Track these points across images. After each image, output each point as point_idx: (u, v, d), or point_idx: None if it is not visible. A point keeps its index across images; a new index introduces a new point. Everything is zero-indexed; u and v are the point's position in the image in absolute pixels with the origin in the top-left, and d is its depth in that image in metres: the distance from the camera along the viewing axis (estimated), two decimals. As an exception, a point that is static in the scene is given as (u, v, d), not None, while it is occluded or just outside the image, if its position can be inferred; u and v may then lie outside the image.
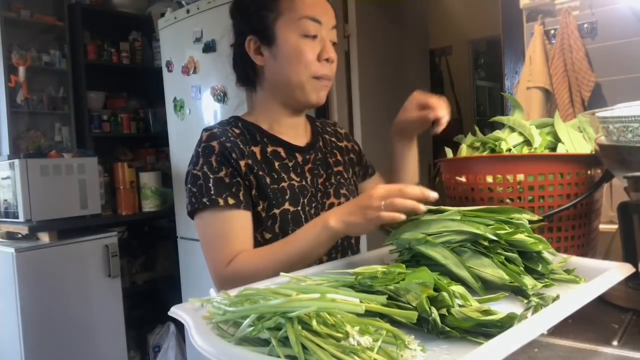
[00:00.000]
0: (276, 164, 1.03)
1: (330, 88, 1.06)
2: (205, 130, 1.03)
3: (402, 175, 1.15)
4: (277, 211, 0.99)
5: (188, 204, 0.99)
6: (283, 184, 1.01)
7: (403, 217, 0.77)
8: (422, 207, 0.76)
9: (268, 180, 1.00)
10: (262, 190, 0.99)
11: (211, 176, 0.96)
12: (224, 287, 0.95)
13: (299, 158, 1.06)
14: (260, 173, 1.00)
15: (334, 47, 1.03)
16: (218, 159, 0.97)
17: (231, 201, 0.95)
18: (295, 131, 1.09)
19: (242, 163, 0.98)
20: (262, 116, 1.07)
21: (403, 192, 0.77)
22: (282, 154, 1.05)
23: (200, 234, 1.00)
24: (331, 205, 1.06)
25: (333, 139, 1.18)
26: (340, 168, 1.12)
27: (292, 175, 1.04)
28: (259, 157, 1.02)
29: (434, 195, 0.77)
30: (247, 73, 1.07)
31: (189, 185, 0.99)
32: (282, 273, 0.73)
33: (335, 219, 0.84)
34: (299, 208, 1.01)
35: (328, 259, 1.03)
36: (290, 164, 1.05)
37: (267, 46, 1.02)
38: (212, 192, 0.95)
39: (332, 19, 1.03)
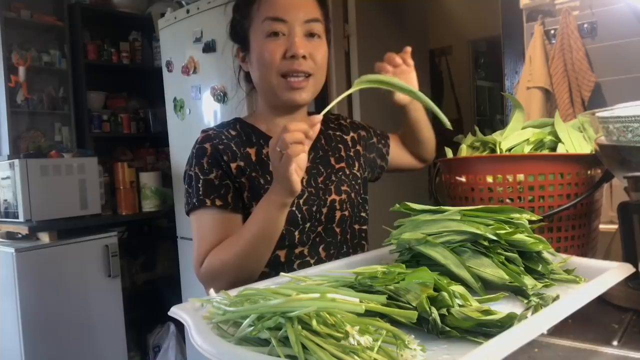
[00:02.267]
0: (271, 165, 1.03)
1: (315, 85, 1.02)
2: (203, 131, 1.05)
3: (418, 132, 1.18)
4: None
5: (185, 203, 1.02)
6: None
7: (303, 150, 0.80)
8: (314, 130, 0.81)
9: (262, 181, 1.01)
10: (254, 191, 1.00)
11: (201, 177, 0.99)
12: (203, 285, 0.97)
13: None
14: (254, 174, 1.01)
15: (315, 39, 1.00)
16: (209, 161, 1.00)
17: (218, 202, 0.97)
18: None
19: (233, 165, 1.00)
20: (260, 118, 1.09)
21: (286, 128, 0.79)
22: None
23: (192, 233, 1.02)
24: (332, 202, 1.06)
25: (337, 133, 1.16)
26: (343, 164, 1.12)
27: None
28: (253, 158, 1.03)
29: (317, 118, 0.81)
30: (249, 80, 1.10)
31: (186, 185, 1.02)
32: (282, 273, 0.73)
33: (272, 191, 0.87)
34: (294, 208, 1.00)
35: (326, 255, 1.04)
36: None
37: (246, 53, 1.05)
38: (200, 193, 0.98)
39: (305, 12, 0.99)
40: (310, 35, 1.00)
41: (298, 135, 0.79)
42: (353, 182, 1.11)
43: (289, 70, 0.97)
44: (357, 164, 1.15)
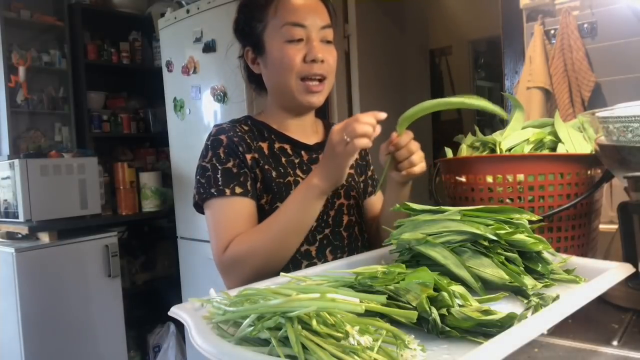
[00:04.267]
0: (283, 159, 1.05)
1: (328, 87, 1.05)
2: (216, 125, 1.07)
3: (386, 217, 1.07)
4: (280, 204, 1.00)
5: (195, 194, 1.02)
6: (289, 178, 1.03)
7: (369, 144, 0.83)
8: (378, 128, 0.84)
9: (274, 174, 1.02)
10: (267, 183, 1.02)
11: (219, 167, 1.00)
12: (224, 273, 0.98)
13: (305, 156, 1.08)
14: (267, 167, 1.02)
15: (328, 45, 1.03)
16: (226, 151, 1.01)
17: (238, 190, 0.98)
18: (303, 130, 1.11)
19: (248, 157, 1.01)
20: (271, 117, 1.11)
21: (357, 118, 0.83)
22: (289, 150, 1.07)
23: (207, 222, 1.02)
24: (341, 206, 1.07)
25: None
26: (352, 171, 1.14)
27: (298, 172, 1.05)
28: (266, 152, 1.05)
29: (383, 115, 0.84)
30: (257, 81, 1.11)
31: (198, 177, 1.02)
32: (282, 273, 0.74)
33: (316, 177, 0.89)
34: None
35: (333, 258, 1.04)
36: (297, 161, 1.07)
37: (259, 55, 1.06)
38: (219, 183, 0.99)
39: (321, 19, 1.01)
40: (324, 40, 1.02)
41: (368, 129, 0.82)
42: (361, 191, 1.13)
43: (308, 74, 1.00)
44: (364, 176, 1.18)
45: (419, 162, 0.93)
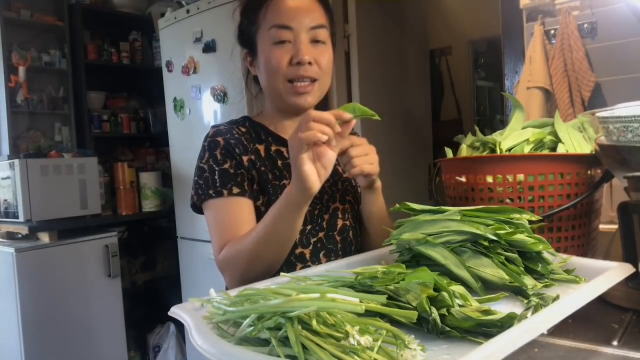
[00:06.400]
0: (279, 162, 1.05)
1: (320, 89, 1.03)
2: (213, 126, 1.07)
3: (370, 219, 1.08)
4: None
5: (193, 195, 1.02)
6: (284, 181, 1.03)
7: (322, 138, 0.79)
8: (337, 127, 0.81)
9: (270, 176, 1.03)
10: (262, 185, 1.02)
11: (216, 168, 1.00)
12: (221, 272, 0.99)
13: None
14: (263, 169, 1.02)
15: (320, 45, 1.01)
16: (222, 152, 1.01)
17: (235, 190, 0.99)
18: None
19: (245, 158, 1.02)
20: (268, 118, 1.11)
21: (309, 114, 0.79)
22: (285, 153, 1.07)
23: (207, 223, 1.03)
24: (335, 210, 1.07)
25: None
26: (349, 176, 1.13)
27: None
28: (262, 154, 1.05)
29: (347, 115, 0.82)
30: (257, 82, 1.11)
31: (196, 178, 1.03)
32: (282, 273, 0.74)
33: (289, 186, 0.86)
34: None
35: (327, 262, 1.03)
36: None
37: (254, 57, 1.07)
38: (217, 184, 0.99)
39: (311, 19, 0.99)
40: (315, 41, 1.01)
41: (315, 124, 0.78)
42: (358, 195, 1.13)
43: (295, 76, 0.99)
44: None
45: (357, 165, 0.92)
